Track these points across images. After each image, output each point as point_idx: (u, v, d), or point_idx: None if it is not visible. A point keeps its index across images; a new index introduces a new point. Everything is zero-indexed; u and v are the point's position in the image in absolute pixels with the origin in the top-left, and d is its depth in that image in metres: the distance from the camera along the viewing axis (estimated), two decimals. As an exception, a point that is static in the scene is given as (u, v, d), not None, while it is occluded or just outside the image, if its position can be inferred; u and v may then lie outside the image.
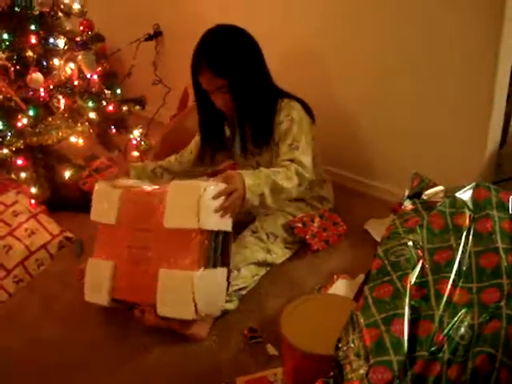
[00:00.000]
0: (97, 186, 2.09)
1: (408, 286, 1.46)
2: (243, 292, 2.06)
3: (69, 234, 2.51)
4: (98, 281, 1.99)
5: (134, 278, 1.93)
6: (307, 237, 2.28)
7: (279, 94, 2.22)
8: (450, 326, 1.41)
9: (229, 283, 1.97)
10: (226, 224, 1.90)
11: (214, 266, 1.87)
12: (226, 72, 2.05)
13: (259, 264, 2.14)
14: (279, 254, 2.21)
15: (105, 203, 2.04)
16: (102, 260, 2.01)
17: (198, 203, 1.82)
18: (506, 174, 2.59)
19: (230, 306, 2.01)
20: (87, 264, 2.05)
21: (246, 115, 2.17)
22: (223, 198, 1.87)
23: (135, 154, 2.92)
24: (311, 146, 2.16)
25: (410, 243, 1.57)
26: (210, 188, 1.85)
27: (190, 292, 1.78)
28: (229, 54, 2.07)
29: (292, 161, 2.07)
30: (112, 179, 2.19)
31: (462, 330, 1.41)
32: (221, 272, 1.90)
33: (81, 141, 2.55)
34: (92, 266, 2.03)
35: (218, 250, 1.89)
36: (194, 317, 1.81)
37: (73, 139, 2.53)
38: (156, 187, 2.02)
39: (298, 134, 2.13)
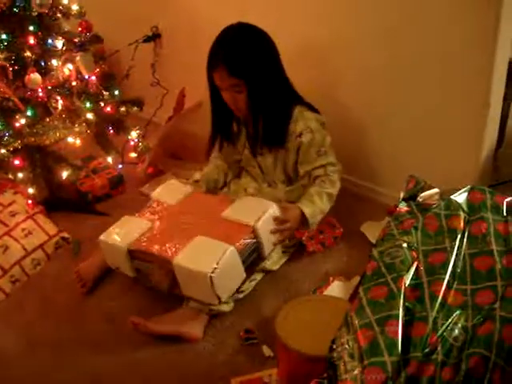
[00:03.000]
0: (171, 181, 2.31)
1: (402, 287, 1.47)
2: (240, 296, 2.07)
3: (66, 235, 2.51)
4: (127, 230, 2.07)
5: (165, 239, 1.96)
6: (304, 238, 2.29)
7: (295, 99, 2.23)
8: (443, 327, 1.43)
9: (237, 291, 2.01)
10: (269, 246, 2.01)
11: (242, 263, 1.92)
12: (240, 72, 2.05)
13: (257, 269, 2.14)
14: (274, 258, 2.21)
15: (172, 190, 2.24)
16: (141, 218, 2.12)
17: (264, 211, 1.98)
18: (503, 177, 2.60)
19: (226, 308, 2.02)
20: (121, 219, 2.15)
21: (259, 118, 2.17)
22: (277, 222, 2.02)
23: (133, 155, 2.93)
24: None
25: (405, 245, 1.58)
26: (276, 208, 2.02)
27: (219, 255, 1.82)
28: (246, 54, 2.07)
29: (324, 166, 2.19)
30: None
31: (456, 331, 1.42)
32: (241, 272, 1.93)
33: (78, 141, 2.55)
34: (128, 220, 2.14)
35: (250, 257, 1.95)
36: (209, 272, 1.78)
37: (70, 140, 2.53)
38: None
39: (322, 140, 2.21)
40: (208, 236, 1.92)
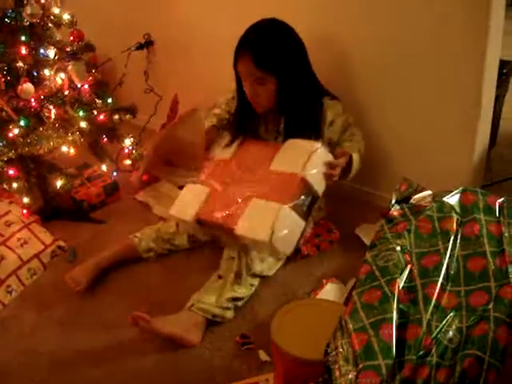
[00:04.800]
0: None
1: (396, 290, 1.47)
2: (239, 303, 2.07)
3: (61, 243, 2.51)
4: (191, 201, 2.15)
5: (225, 205, 2.04)
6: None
7: (322, 92, 2.27)
8: (438, 329, 1.43)
9: (301, 237, 2.03)
10: (320, 186, 2.04)
11: (298, 214, 1.96)
12: (266, 63, 2.08)
13: (256, 275, 2.15)
14: (270, 264, 2.21)
15: (222, 143, 2.28)
16: (201, 185, 2.18)
17: (309, 155, 2.00)
18: (496, 177, 2.61)
19: (229, 315, 2.03)
20: (185, 187, 2.23)
21: (289, 113, 2.19)
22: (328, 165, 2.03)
23: (127, 162, 2.93)
24: None
25: (398, 248, 1.58)
26: (323, 149, 2.03)
27: (272, 219, 1.89)
28: (276, 46, 2.09)
29: (352, 134, 2.28)
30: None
31: (451, 333, 1.42)
32: (301, 222, 1.98)
33: (72, 150, 2.55)
34: (189, 189, 2.21)
35: (304, 204, 1.98)
36: (266, 239, 1.86)
37: (64, 149, 2.53)
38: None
39: (347, 119, 2.28)
40: (262, 197, 1.98)
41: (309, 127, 2.19)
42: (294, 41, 2.15)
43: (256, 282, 2.15)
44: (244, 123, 2.29)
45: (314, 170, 2.00)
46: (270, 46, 2.09)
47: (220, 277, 2.11)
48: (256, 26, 2.13)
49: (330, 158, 2.04)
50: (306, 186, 1.98)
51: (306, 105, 2.19)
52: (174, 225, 2.40)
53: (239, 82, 2.20)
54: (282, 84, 2.12)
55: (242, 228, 1.95)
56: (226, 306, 2.02)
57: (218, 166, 2.21)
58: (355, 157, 2.14)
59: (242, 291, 2.07)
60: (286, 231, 1.91)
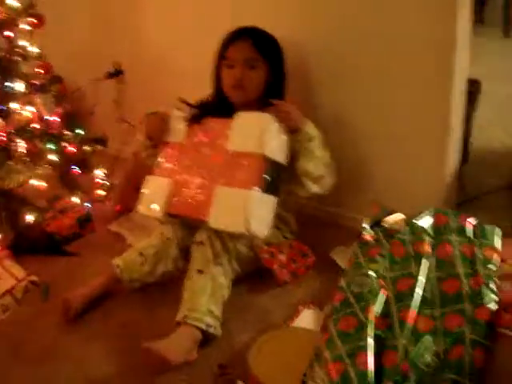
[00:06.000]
0: (174, 113, 2.29)
1: (371, 317, 1.47)
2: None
3: (34, 278, 2.46)
4: (155, 196, 2.17)
5: (190, 195, 2.08)
6: (274, 267, 2.27)
7: None
8: (414, 354, 1.42)
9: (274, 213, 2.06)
10: (282, 155, 2.05)
11: (267, 192, 1.99)
12: (263, 48, 2.20)
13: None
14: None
15: (176, 125, 2.26)
16: (161, 177, 2.19)
17: (263, 129, 2.00)
18: (469, 194, 2.63)
19: (218, 333, 2.00)
20: (145, 180, 2.24)
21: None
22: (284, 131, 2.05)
23: (100, 192, 2.91)
24: None
25: (372, 273, 1.58)
26: (276, 124, 2.02)
27: (243, 207, 1.91)
28: (270, 40, 2.25)
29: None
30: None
31: (427, 357, 1.42)
32: (272, 199, 2.02)
33: (42, 184, 2.52)
34: (150, 182, 2.23)
35: (271, 179, 2.00)
36: (243, 230, 1.90)
37: (34, 182, 2.51)
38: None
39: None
40: (226, 184, 2.00)
41: None
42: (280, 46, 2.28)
43: (237, 267, 2.16)
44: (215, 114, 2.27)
45: (272, 143, 2.00)
46: (265, 35, 2.24)
47: (200, 271, 2.07)
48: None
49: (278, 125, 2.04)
50: (268, 162, 1.99)
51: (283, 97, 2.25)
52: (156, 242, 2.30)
53: (218, 76, 2.26)
54: (271, 74, 2.22)
55: (215, 221, 1.97)
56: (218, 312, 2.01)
57: (173, 152, 2.23)
58: (310, 127, 2.13)
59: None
60: (259, 215, 1.94)
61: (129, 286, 2.30)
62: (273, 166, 2.01)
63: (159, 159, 2.25)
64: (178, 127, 2.25)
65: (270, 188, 1.99)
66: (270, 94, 2.18)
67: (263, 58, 2.20)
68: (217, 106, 2.29)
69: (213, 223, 1.97)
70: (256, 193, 1.94)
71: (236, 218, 1.93)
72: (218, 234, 2.09)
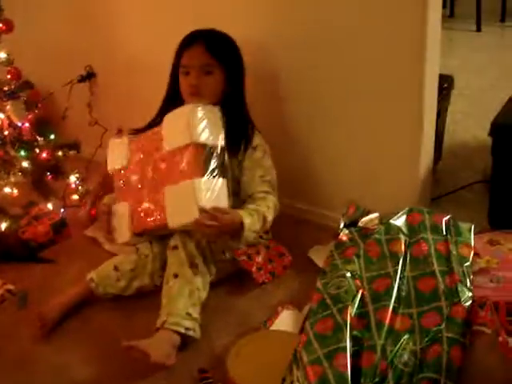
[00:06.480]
0: (110, 143, 2.35)
1: (348, 318, 1.47)
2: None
3: (10, 287, 2.43)
4: (121, 222, 2.19)
5: (145, 208, 2.11)
6: (253, 269, 2.27)
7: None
8: (392, 353, 1.43)
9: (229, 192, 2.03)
10: (216, 136, 2.02)
11: (214, 176, 1.98)
12: (218, 52, 2.15)
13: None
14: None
15: (116, 152, 2.29)
16: (119, 203, 2.23)
17: (188, 120, 1.98)
18: (443, 190, 2.64)
19: (197, 336, 1.98)
20: (112, 210, 2.25)
21: (228, 113, 2.14)
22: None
23: (75, 197, 2.88)
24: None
25: (348, 274, 1.59)
26: (199, 108, 2.00)
27: (191, 196, 1.91)
28: (227, 42, 2.21)
29: (266, 193, 2.20)
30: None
31: (405, 356, 1.43)
32: (220, 181, 1.99)
33: (15, 191, 2.50)
34: (114, 210, 2.25)
35: (214, 163, 1.99)
36: (197, 213, 1.88)
37: (7, 190, 2.48)
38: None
39: (269, 168, 2.26)
40: (172, 183, 2.01)
41: (240, 135, 2.22)
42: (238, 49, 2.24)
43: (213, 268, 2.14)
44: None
45: (200, 128, 1.99)
46: (221, 39, 2.20)
47: (176, 275, 2.05)
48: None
49: (208, 107, 2.04)
50: (203, 148, 1.99)
51: (244, 112, 2.26)
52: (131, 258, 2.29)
53: (175, 80, 2.24)
54: (228, 79, 2.19)
55: (172, 220, 1.98)
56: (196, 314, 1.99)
57: (123, 175, 2.26)
58: (248, 222, 2.04)
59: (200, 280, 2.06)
60: (209, 195, 1.94)
61: (104, 297, 2.29)
62: (209, 150, 2.00)
63: (115, 188, 2.29)
64: (121, 153, 2.27)
65: (215, 171, 1.98)
66: (229, 98, 2.19)
67: (219, 63, 2.16)
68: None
69: (171, 223, 1.99)
70: (199, 180, 1.94)
71: (188, 208, 1.94)
72: (192, 236, 2.08)
